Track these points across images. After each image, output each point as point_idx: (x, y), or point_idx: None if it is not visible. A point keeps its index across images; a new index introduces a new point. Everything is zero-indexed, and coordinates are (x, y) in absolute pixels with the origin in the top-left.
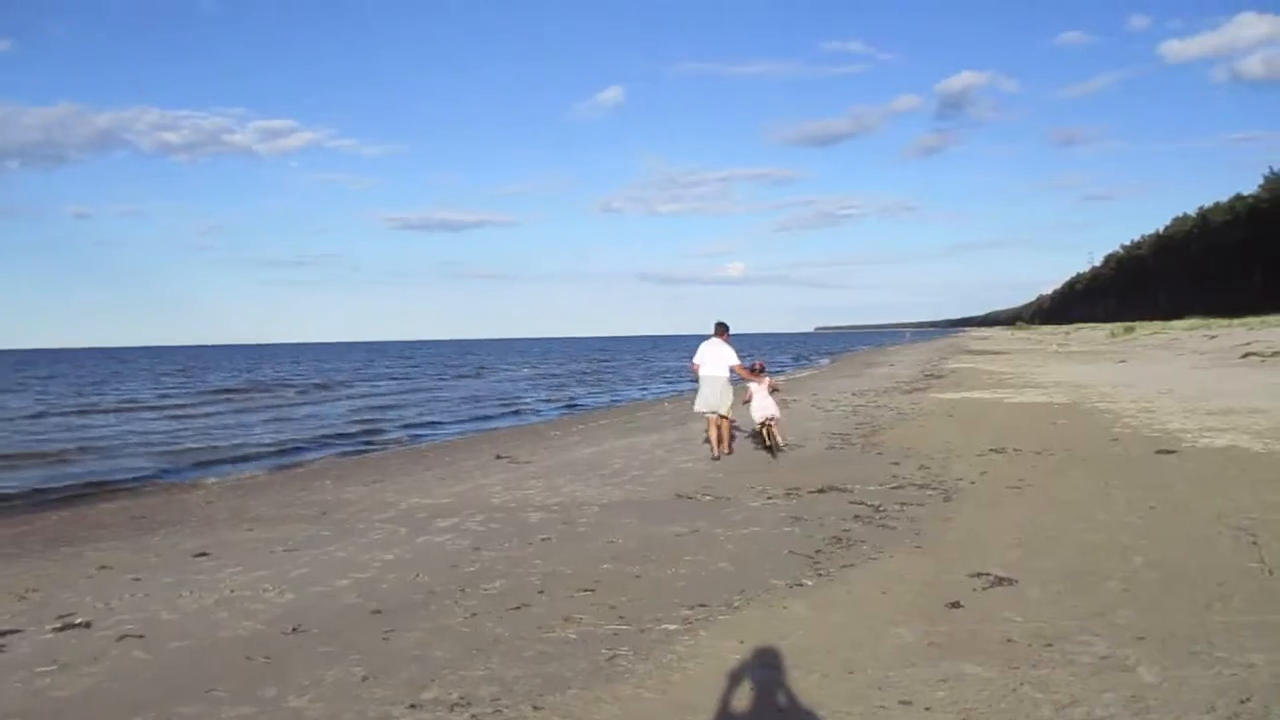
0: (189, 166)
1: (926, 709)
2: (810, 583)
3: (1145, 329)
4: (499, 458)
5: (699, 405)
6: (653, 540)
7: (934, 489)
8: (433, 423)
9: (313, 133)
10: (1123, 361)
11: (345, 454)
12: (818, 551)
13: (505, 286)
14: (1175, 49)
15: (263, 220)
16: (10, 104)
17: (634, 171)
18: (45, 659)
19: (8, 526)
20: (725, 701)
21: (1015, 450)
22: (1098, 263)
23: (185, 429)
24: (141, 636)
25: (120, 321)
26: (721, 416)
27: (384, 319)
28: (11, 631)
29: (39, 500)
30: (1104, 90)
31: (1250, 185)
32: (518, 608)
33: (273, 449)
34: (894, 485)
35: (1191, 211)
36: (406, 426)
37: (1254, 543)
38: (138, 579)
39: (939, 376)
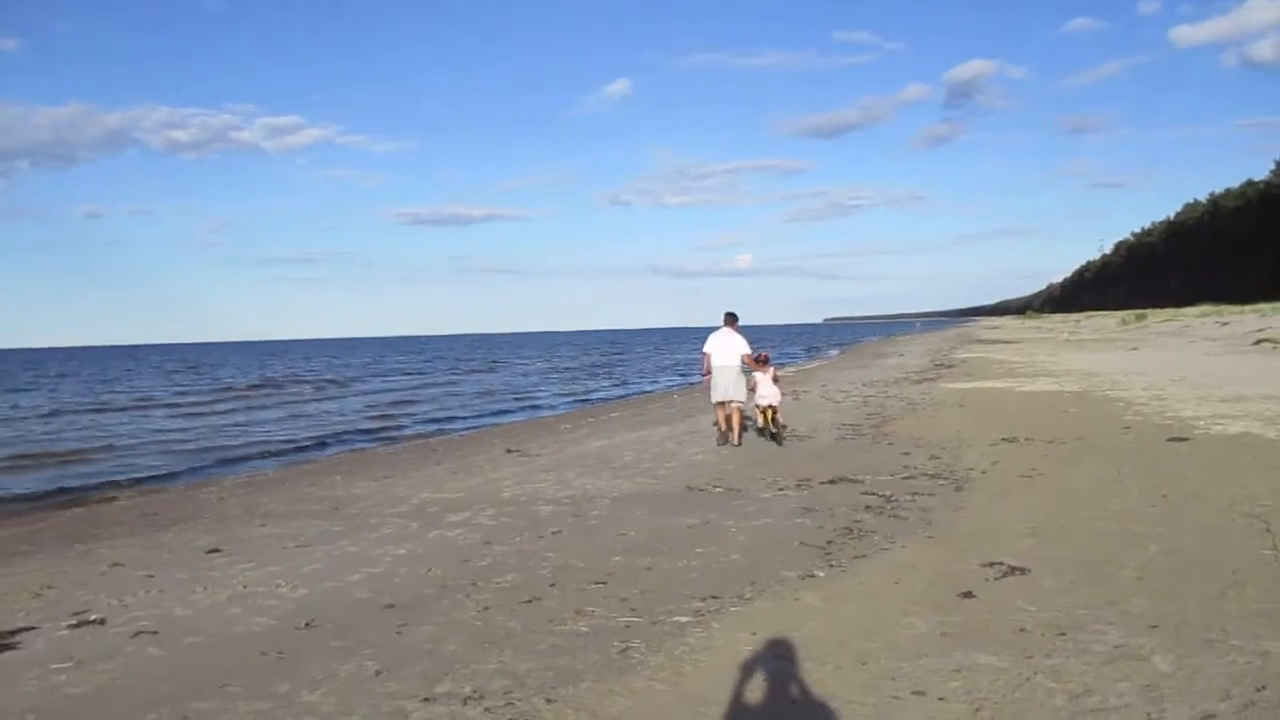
0: (197, 164)
1: (940, 699)
2: (822, 574)
3: (1157, 316)
4: (509, 451)
5: (715, 395)
6: (664, 532)
7: (945, 479)
8: (449, 417)
9: (321, 129)
10: (1134, 349)
11: (363, 449)
12: (829, 542)
13: (516, 281)
14: (1185, 34)
15: (272, 217)
16: (20, 104)
17: (643, 164)
18: (61, 656)
19: (22, 524)
20: (738, 693)
21: (1027, 439)
22: (1108, 250)
23: (200, 427)
24: (155, 633)
25: (130, 319)
26: (735, 405)
27: (395, 314)
28: (27, 629)
29: (54, 498)
30: (1113, 77)
31: (1262, 171)
32: (529, 601)
33: (290, 446)
34: (905, 475)
35: (1202, 198)
36: (423, 421)
37: (1267, 530)
38: (151, 576)
39: (949, 366)
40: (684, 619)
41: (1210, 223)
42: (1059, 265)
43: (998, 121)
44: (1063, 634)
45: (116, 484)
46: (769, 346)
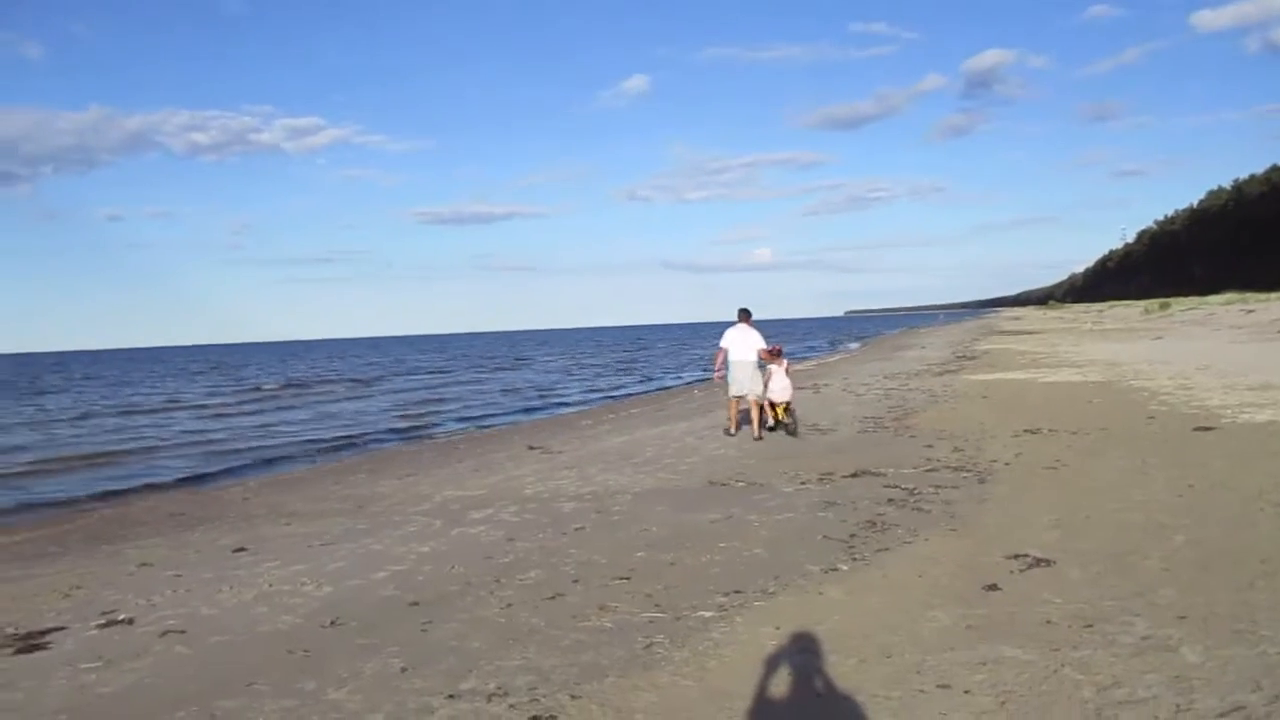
0: (218, 166)
1: (966, 692)
2: (845, 567)
3: (1181, 305)
4: (531, 448)
5: (733, 390)
6: (686, 528)
7: (968, 471)
8: (478, 415)
9: (339, 130)
10: (1159, 338)
11: (386, 447)
12: (852, 536)
13: (535, 278)
14: (1207, 19)
15: (292, 218)
16: (43, 109)
17: (660, 159)
18: (90, 655)
19: (50, 525)
20: (763, 688)
21: (1050, 430)
22: (1130, 239)
23: (231, 428)
24: (183, 632)
25: (153, 322)
26: (753, 399)
27: (415, 313)
28: (57, 629)
29: (83, 503)
30: (1134, 63)
31: None
32: (553, 597)
33: (320, 446)
34: (928, 468)
35: (1226, 184)
36: (455, 420)
37: None
38: (178, 575)
39: (971, 358)
40: (708, 614)
41: (1234, 209)
42: (1081, 255)
43: (1017, 111)
44: (1089, 626)
45: (149, 486)
46: (790, 340)
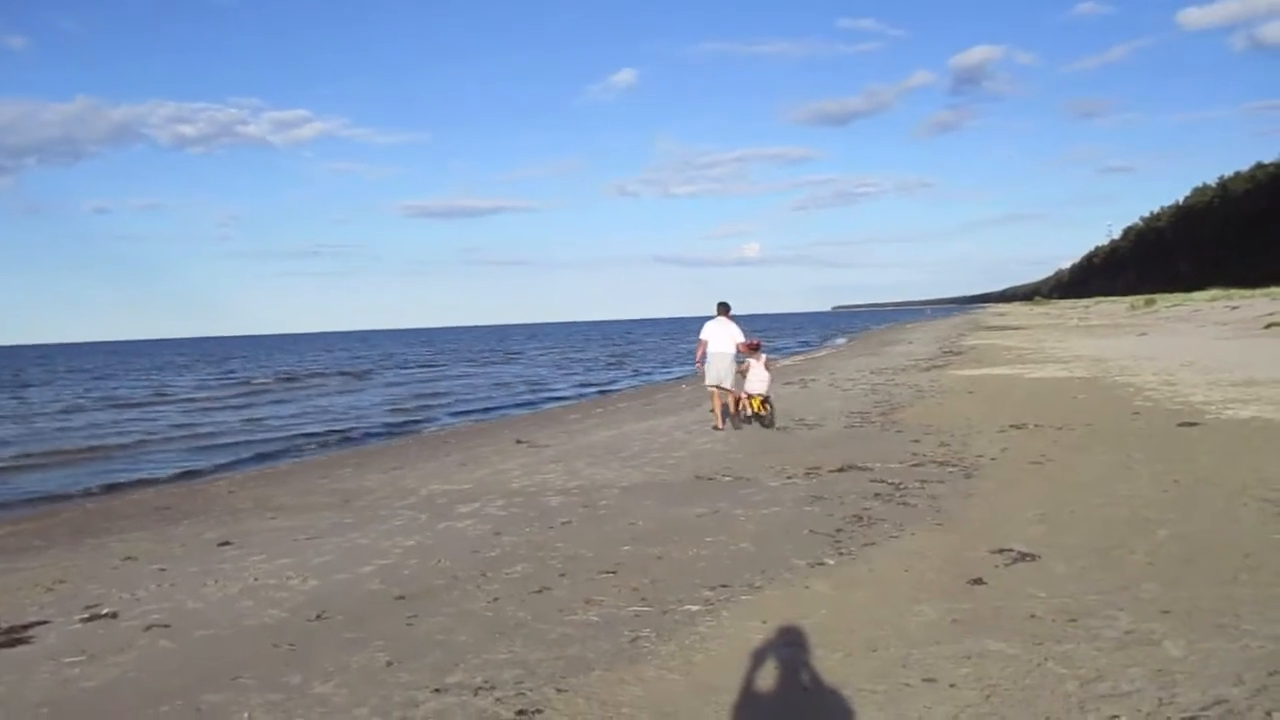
0: (205, 159)
1: (951, 686)
2: (832, 562)
3: (1166, 301)
4: (518, 442)
5: (709, 379)
6: (673, 522)
7: (954, 466)
8: (471, 410)
9: (326, 122)
10: (1143, 334)
11: (386, 443)
12: (839, 530)
13: (524, 272)
14: (1194, 16)
15: (280, 211)
16: (27, 101)
17: (649, 154)
18: (73, 649)
19: (34, 519)
20: (749, 681)
21: (1036, 426)
22: (1117, 235)
23: (219, 421)
24: (168, 626)
25: (141, 314)
26: (728, 390)
27: (404, 307)
28: (40, 623)
29: (68, 494)
30: (1121, 61)
31: (1271, 153)
32: (539, 591)
33: (318, 439)
34: (914, 463)
35: (1212, 181)
36: (451, 413)
37: None
38: (163, 569)
39: (958, 353)
40: (694, 608)
41: (1220, 206)
42: (1067, 251)
43: (1004, 107)
44: (1074, 620)
45: (135, 480)
46: (777, 335)
